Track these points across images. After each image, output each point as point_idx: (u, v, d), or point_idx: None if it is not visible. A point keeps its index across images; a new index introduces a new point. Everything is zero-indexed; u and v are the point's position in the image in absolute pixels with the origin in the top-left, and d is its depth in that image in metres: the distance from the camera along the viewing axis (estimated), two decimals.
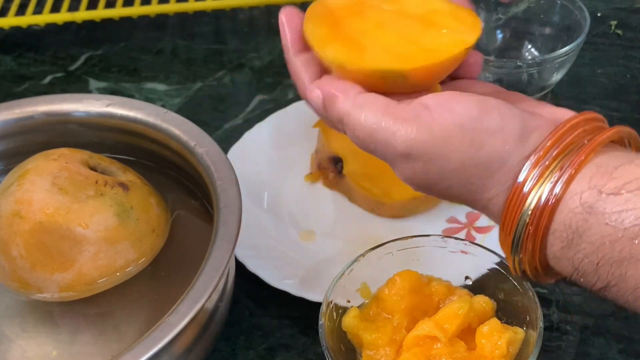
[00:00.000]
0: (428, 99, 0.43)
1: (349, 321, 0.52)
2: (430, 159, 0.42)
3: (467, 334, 0.50)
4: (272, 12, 0.95)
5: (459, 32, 0.47)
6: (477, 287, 0.54)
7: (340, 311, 0.53)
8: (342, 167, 0.69)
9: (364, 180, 0.68)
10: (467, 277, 0.55)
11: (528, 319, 0.51)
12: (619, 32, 0.86)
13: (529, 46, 0.81)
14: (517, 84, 0.75)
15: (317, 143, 0.71)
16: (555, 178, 0.41)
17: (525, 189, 0.41)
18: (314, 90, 0.47)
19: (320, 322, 0.51)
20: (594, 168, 0.41)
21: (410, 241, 0.55)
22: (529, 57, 0.80)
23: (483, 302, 0.52)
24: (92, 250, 0.55)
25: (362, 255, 0.54)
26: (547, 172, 0.41)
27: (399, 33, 0.47)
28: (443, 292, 0.53)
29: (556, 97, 0.79)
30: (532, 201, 0.41)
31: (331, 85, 0.46)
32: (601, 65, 0.82)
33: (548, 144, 0.41)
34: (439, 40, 0.47)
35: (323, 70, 0.49)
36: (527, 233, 0.42)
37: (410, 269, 0.53)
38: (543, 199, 0.41)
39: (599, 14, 0.88)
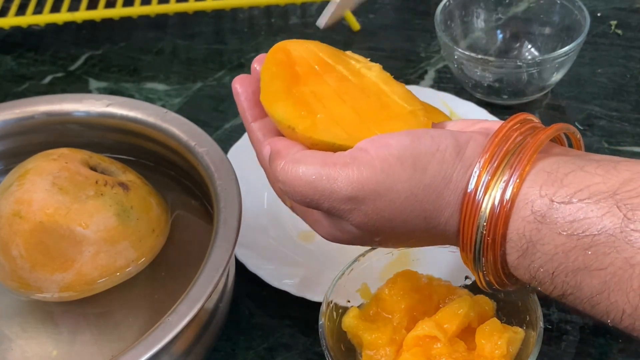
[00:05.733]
0: (361, 143, 0.43)
1: (349, 321, 0.52)
2: (379, 195, 0.42)
3: (467, 334, 0.50)
4: (272, 12, 0.95)
5: (409, 125, 0.46)
6: (477, 287, 0.54)
7: (340, 311, 0.53)
8: None
9: None
10: (467, 277, 0.55)
11: (528, 319, 0.51)
12: (619, 32, 0.86)
13: (529, 46, 0.81)
14: (517, 83, 0.75)
15: None
16: (505, 179, 0.41)
17: (478, 196, 0.41)
18: (266, 146, 0.46)
19: (320, 322, 0.51)
20: (544, 175, 0.41)
21: None
22: (529, 57, 0.80)
23: (483, 302, 0.52)
24: (92, 250, 0.55)
25: (362, 255, 0.54)
26: (497, 175, 0.41)
27: (353, 108, 0.47)
28: (443, 292, 0.53)
29: (556, 97, 0.79)
30: (486, 208, 0.41)
31: (278, 142, 0.46)
32: (601, 65, 0.82)
33: (491, 148, 0.42)
34: (389, 127, 0.46)
35: (279, 132, 0.48)
36: (485, 244, 0.42)
37: (410, 269, 0.53)
38: (497, 203, 0.41)
39: (599, 14, 0.88)
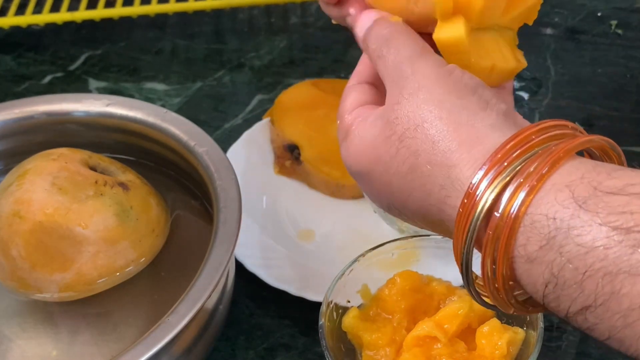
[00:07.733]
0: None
1: (349, 321, 0.52)
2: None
3: (467, 334, 0.50)
4: (272, 12, 0.95)
5: None
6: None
7: (340, 311, 0.53)
8: (299, 154, 0.69)
9: (322, 164, 0.68)
10: None
11: (528, 318, 0.51)
12: (619, 31, 0.86)
13: None
14: None
15: (270, 133, 0.71)
16: (529, 173, 0.34)
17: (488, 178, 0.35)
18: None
19: (320, 322, 0.51)
20: (589, 165, 0.34)
21: (410, 241, 0.55)
22: None
23: None
24: (91, 250, 0.55)
25: (362, 255, 0.54)
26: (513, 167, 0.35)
27: None
28: (443, 292, 0.53)
29: (556, 97, 0.79)
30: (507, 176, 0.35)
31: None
32: (601, 65, 0.82)
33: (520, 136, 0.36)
34: None
35: None
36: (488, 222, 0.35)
37: (410, 269, 0.53)
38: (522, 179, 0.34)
39: (599, 14, 0.88)
